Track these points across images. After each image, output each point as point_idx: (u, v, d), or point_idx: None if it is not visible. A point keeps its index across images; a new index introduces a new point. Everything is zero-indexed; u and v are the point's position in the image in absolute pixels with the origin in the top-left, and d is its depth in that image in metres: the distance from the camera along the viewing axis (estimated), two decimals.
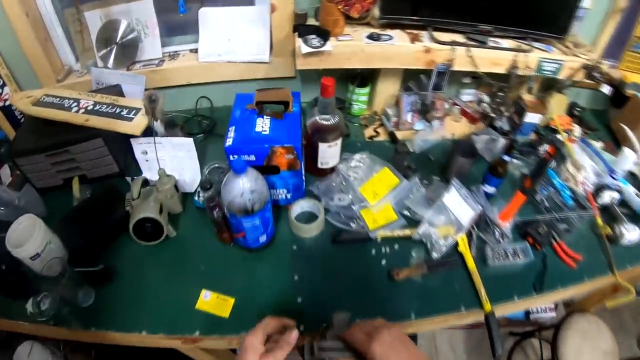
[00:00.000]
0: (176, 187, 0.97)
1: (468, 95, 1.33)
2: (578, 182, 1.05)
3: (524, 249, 0.92)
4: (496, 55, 1.10)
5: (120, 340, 0.80)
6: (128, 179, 1.04)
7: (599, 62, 1.10)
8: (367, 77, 1.24)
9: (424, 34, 1.12)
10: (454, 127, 1.26)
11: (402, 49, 1.08)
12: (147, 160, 1.03)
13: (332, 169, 1.05)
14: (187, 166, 1.05)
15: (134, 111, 1.01)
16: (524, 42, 1.13)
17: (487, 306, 0.81)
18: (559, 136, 1.17)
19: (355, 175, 1.01)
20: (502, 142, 1.12)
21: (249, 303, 0.83)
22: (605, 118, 1.36)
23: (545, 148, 1.14)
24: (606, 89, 1.20)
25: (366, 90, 1.25)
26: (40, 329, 0.81)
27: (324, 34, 1.06)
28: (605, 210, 1.02)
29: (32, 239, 0.77)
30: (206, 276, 0.87)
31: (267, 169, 0.89)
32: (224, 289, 0.85)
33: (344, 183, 1.02)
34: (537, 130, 1.21)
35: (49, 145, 0.96)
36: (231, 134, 0.87)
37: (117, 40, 1.18)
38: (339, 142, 1.00)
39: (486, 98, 1.25)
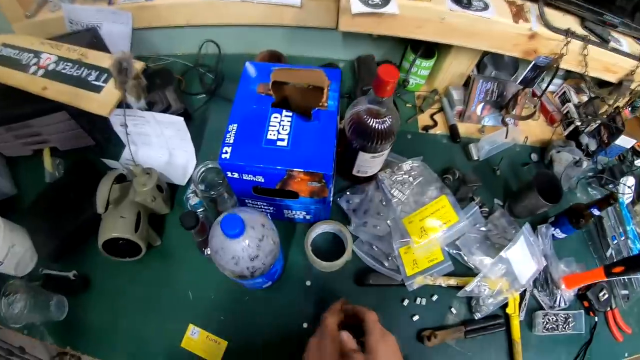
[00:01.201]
0: (159, 187, 0.72)
1: (551, 85, 1.01)
2: None
3: (577, 317, 0.77)
4: (614, 61, 0.80)
5: None
6: (105, 161, 0.78)
7: None
8: (433, 45, 0.91)
9: (530, 7, 0.78)
10: (529, 129, 0.97)
11: (499, 26, 0.76)
12: (129, 134, 0.76)
13: (371, 177, 0.82)
14: (177, 147, 0.79)
15: (105, 76, 0.70)
16: None
17: None
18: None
19: (401, 197, 0.78)
20: (585, 165, 0.87)
21: (245, 350, 0.69)
22: None
23: (627, 182, 0.91)
24: None
25: (431, 62, 0.93)
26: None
27: None
28: None
29: None
30: (195, 307, 0.72)
31: (281, 192, 0.66)
32: (216, 327, 0.70)
33: (383, 203, 0.79)
34: (622, 153, 0.96)
35: (3, 118, 0.75)
36: (230, 138, 0.59)
37: None
38: (386, 152, 0.74)
39: (574, 97, 0.95)
